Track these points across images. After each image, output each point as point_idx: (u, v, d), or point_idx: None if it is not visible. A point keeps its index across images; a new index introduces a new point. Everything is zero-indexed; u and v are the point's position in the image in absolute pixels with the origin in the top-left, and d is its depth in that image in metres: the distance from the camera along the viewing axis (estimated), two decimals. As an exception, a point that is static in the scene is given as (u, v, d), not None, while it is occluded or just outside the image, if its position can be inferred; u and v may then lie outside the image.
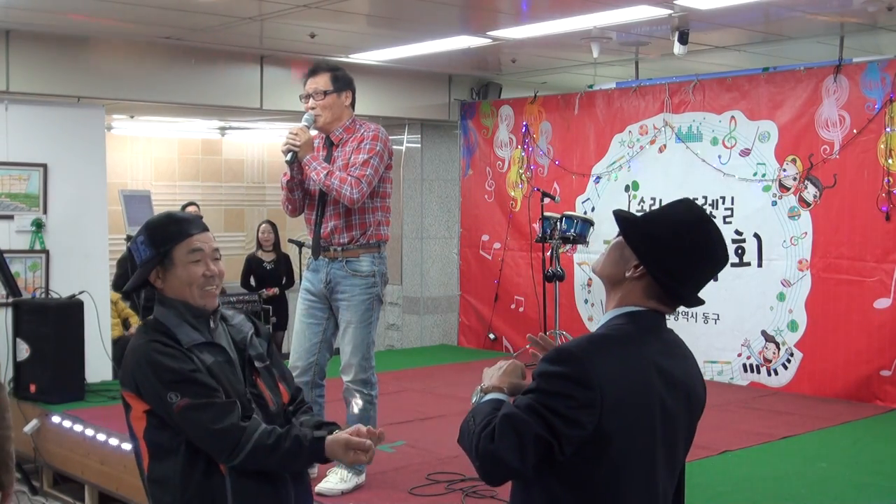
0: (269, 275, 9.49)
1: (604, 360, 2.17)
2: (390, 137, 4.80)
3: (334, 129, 4.68)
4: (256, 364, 2.75)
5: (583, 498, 2.18)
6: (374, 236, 4.65)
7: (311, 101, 4.66)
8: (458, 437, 2.31)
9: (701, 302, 2.35)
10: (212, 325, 2.71)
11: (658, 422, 2.21)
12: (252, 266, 9.68)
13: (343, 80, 4.71)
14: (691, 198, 7.58)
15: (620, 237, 2.33)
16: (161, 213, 2.84)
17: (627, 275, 2.30)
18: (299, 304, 4.79)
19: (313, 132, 4.74)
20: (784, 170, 7.00)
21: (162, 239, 2.66)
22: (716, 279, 2.56)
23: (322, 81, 4.66)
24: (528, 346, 2.65)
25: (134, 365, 2.59)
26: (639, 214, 2.41)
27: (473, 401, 2.34)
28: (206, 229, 2.75)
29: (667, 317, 2.38)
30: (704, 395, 2.39)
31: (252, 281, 9.67)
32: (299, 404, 2.85)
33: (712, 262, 2.33)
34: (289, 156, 4.66)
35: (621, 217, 2.33)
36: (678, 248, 2.27)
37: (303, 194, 4.75)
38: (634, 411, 2.17)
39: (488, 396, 2.29)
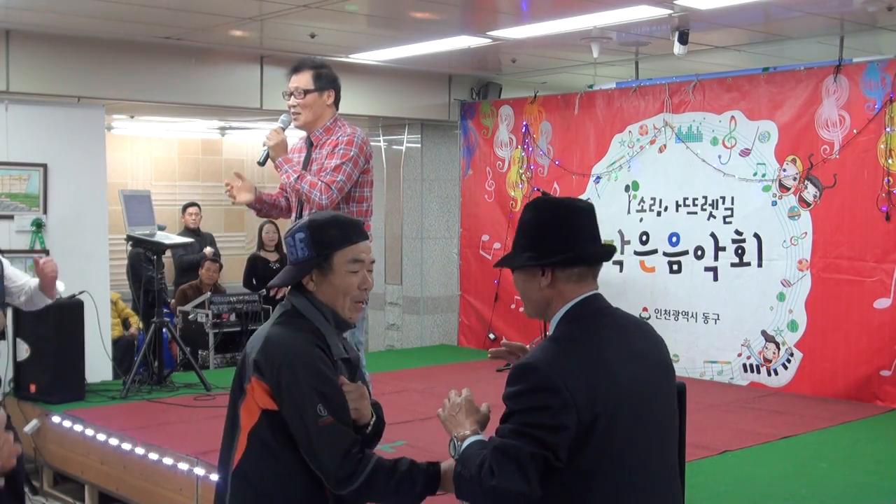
0: (273, 274, 9.47)
1: (559, 361, 2.23)
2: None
3: (315, 130, 4.65)
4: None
5: (588, 490, 2.20)
6: None
7: (292, 98, 4.63)
8: (456, 493, 2.34)
9: (612, 250, 2.52)
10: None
11: (633, 398, 2.26)
12: (256, 266, 9.67)
13: (326, 78, 4.64)
14: (691, 198, 7.69)
15: (515, 275, 2.45)
16: (326, 213, 2.72)
17: (543, 285, 2.38)
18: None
19: (300, 133, 4.75)
20: (784, 170, 7.00)
21: (324, 242, 2.55)
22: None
23: (304, 80, 4.60)
24: (489, 358, 2.73)
25: (286, 362, 2.45)
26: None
27: (452, 453, 2.36)
28: (367, 237, 2.64)
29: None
30: (668, 356, 2.48)
31: (255, 281, 9.67)
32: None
33: (576, 210, 2.43)
34: (261, 156, 4.68)
35: (499, 265, 2.51)
36: (540, 227, 2.40)
37: (286, 200, 4.80)
38: (606, 396, 2.21)
39: (466, 443, 2.33)
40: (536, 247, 2.38)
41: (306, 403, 2.41)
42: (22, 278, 4.88)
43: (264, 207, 4.85)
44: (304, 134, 4.78)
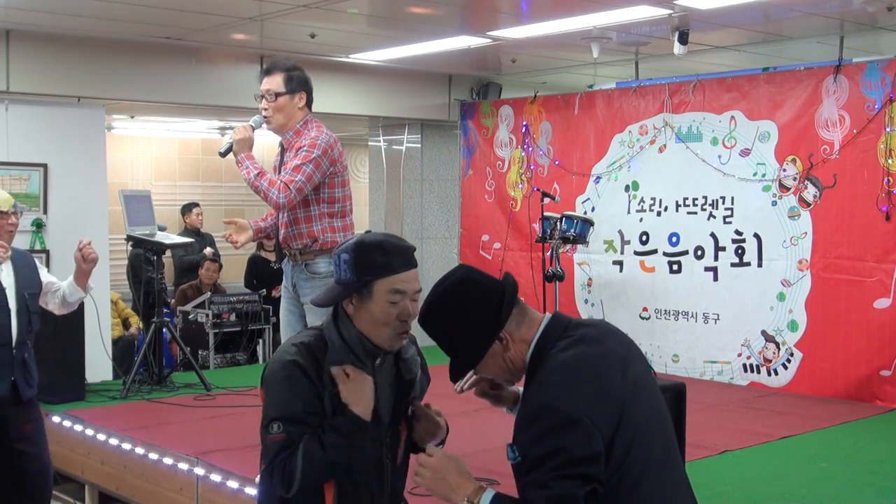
0: (273, 274, 9.48)
1: (567, 393, 2.18)
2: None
3: (286, 133, 4.66)
4: (410, 410, 2.67)
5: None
6: (329, 243, 4.59)
7: (263, 101, 4.64)
8: None
9: (510, 284, 2.38)
10: (378, 361, 2.57)
11: (634, 402, 2.24)
12: (257, 266, 9.68)
13: (297, 80, 4.62)
14: (691, 198, 7.68)
15: (480, 365, 2.38)
16: (377, 235, 2.63)
17: (508, 355, 2.33)
18: (282, 296, 4.90)
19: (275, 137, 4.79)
20: (784, 170, 7.00)
21: (366, 268, 2.47)
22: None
23: (275, 82, 4.60)
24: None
25: (268, 374, 2.51)
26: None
27: None
28: (414, 266, 2.55)
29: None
30: (638, 348, 2.43)
31: (255, 281, 9.68)
32: None
33: (461, 295, 2.37)
34: (223, 147, 4.70)
35: (457, 374, 2.44)
36: (448, 298, 2.36)
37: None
38: (614, 413, 2.18)
39: (484, 500, 2.24)
40: (468, 340, 2.33)
41: (264, 421, 2.46)
42: (55, 281, 4.83)
43: (266, 229, 4.91)
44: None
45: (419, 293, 2.55)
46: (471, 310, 2.33)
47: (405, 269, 2.52)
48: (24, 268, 4.69)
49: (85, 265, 4.60)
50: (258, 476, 2.60)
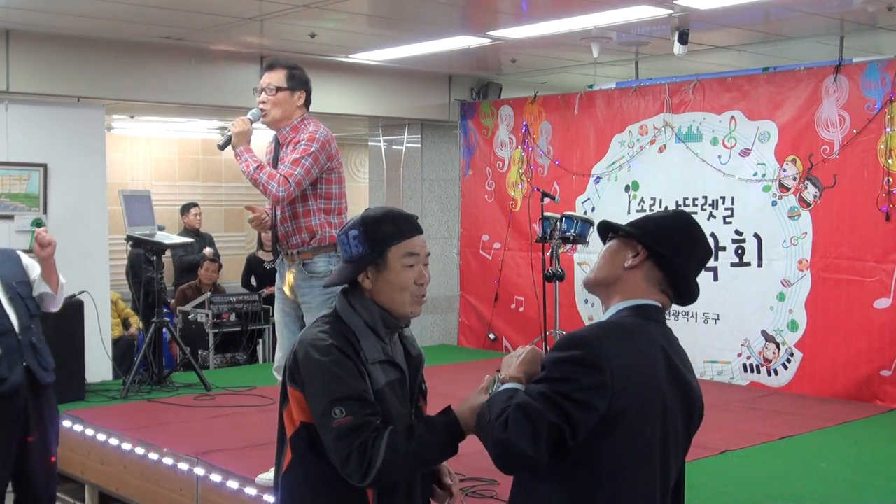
0: (271, 275, 9.49)
1: (613, 344, 2.20)
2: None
3: (282, 128, 4.68)
4: (423, 385, 2.66)
5: (585, 480, 2.19)
6: (327, 238, 4.58)
7: (262, 94, 4.66)
8: (475, 427, 2.32)
9: (696, 292, 2.40)
10: (395, 336, 2.57)
11: (660, 410, 2.24)
12: (254, 266, 9.68)
13: (299, 79, 4.67)
14: (691, 198, 7.67)
15: (612, 241, 2.41)
16: (379, 208, 2.65)
17: (627, 265, 2.34)
18: (276, 301, 4.85)
19: (265, 129, 4.78)
20: (784, 170, 7.00)
21: (378, 238, 2.49)
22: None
23: (277, 77, 4.63)
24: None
25: (307, 372, 2.41)
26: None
27: (491, 390, 2.33)
28: (420, 231, 2.61)
29: (666, 316, 2.40)
30: (700, 396, 2.41)
31: (253, 281, 9.68)
32: None
33: (704, 247, 2.42)
34: (221, 140, 4.71)
35: (607, 223, 2.45)
36: (673, 227, 2.37)
37: None
38: (642, 395, 2.20)
39: (504, 386, 2.29)
40: (652, 233, 2.34)
41: (322, 409, 2.37)
42: (35, 271, 4.72)
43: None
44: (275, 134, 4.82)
45: (429, 256, 2.60)
46: (680, 230, 2.40)
47: (415, 233, 2.57)
48: (6, 262, 4.67)
49: (42, 251, 4.55)
50: (281, 473, 2.52)
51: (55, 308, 4.79)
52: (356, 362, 2.42)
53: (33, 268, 4.71)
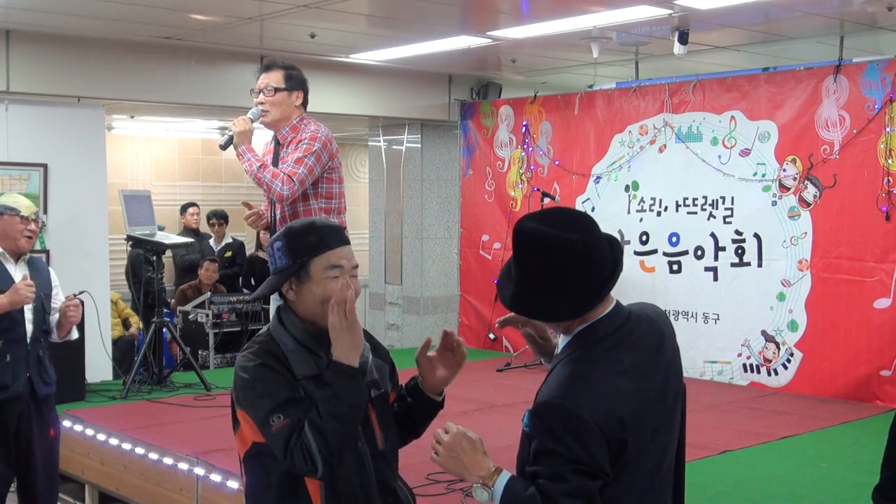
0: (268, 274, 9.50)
1: (578, 396, 2.16)
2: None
3: (281, 128, 4.70)
4: (371, 393, 2.57)
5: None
6: None
7: (261, 95, 4.67)
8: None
9: (618, 273, 2.36)
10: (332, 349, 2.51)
11: (653, 411, 2.25)
12: (255, 266, 9.67)
13: (296, 79, 4.69)
14: (691, 197, 7.68)
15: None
16: (304, 219, 2.67)
17: (557, 333, 2.35)
18: (272, 299, 4.86)
19: (263, 129, 4.78)
20: (784, 170, 7.00)
21: (300, 249, 2.48)
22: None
23: (275, 78, 4.66)
24: (497, 327, 2.66)
25: (240, 389, 2.45)
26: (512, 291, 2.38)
27: (484, 496, 2.26)
28: (347, 243, 2.56)
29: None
30: (678, 356, 2.41)
31: (253, 281, 9.67)
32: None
33: (573, 252, 2.37)
34: (223, 140, 4.72)
35: (534, 318, 2.44)
36: (549, 273, 2.28)
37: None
38: (628, 420, 2.19)
39: (502, 482, 2.23)
40: (561, 295, 2.26)
41: (261, 422, 2.39)
42: (58, 288, 4.82)
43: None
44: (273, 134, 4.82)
45: (357, 269, 2.55)
46: (565, 274, 2.30)
47: (339, 244, 2.52)
48: (42, 270, 4.79)
49: (63, 320, 4.66)
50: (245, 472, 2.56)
51: (52, 340, 4.84)
52: (287, 376, 2.44)
53: (57, 286, 4.80)
